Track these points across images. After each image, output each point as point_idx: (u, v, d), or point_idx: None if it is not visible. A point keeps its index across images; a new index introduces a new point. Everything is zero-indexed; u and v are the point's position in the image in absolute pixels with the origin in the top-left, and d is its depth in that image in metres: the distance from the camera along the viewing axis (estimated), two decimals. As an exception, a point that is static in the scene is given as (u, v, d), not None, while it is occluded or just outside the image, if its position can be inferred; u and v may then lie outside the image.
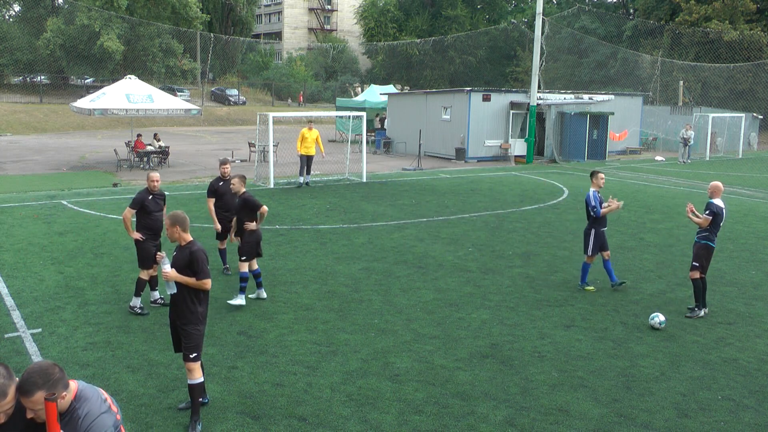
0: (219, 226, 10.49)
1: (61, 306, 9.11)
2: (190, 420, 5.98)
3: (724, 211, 9.33)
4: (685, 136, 30.82)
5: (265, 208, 9.14)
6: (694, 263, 9.32)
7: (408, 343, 8.04)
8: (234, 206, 9.56)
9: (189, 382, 6.00)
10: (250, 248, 9.25)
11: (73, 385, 3.27)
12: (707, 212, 9.20)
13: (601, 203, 10.14)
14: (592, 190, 10.18)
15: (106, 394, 3.36)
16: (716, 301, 9.90)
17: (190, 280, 6.01)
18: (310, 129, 20.43)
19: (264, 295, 9.53)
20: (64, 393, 3.16)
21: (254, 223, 9.15)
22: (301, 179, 20.74)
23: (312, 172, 21.54)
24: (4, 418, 3.18)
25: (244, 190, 9.34)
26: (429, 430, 6.04)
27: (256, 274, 9.47)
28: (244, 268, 9.20)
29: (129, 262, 10.96)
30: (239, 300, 9.12)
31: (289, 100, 64.54)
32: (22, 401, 3.13)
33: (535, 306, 9.57)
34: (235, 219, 9.57)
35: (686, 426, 6.21)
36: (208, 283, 6.09)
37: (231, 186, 9.31)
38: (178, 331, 6.14)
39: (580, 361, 7.64)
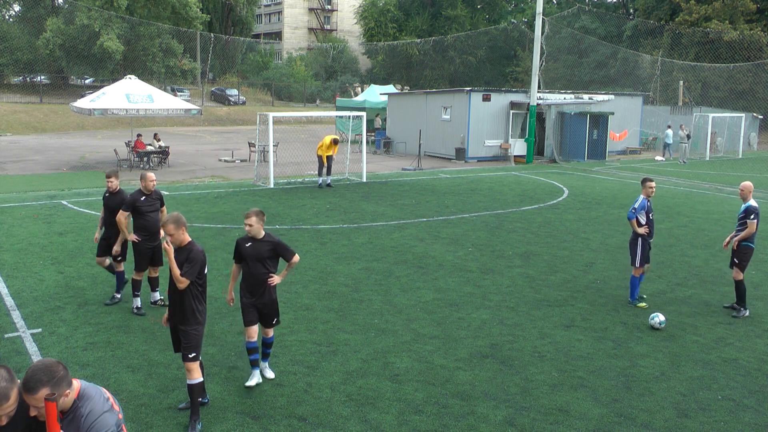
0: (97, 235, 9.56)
1: (61, 306, 9.12)
2: (190, 420, 5.98)
3: (758, 208, 9.39)
4: (686, 133, 30.87)
5: (297, 256, 6.93)
6: (735, 261, 9.30)
7: (408, 343, 8.04)
8: (248, 252, 6.72)
9: (188, 382, 5.99)
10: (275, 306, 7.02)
11: (76, 383, 3.28)
12: (752, 217, 9.13)
13: (647, 211, 9.56)
14: (641, 197, 9.65)
15: (108, 393, 3.37)
16: (716, 301, 9.90)
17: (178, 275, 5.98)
18: (335, 144, 20.59)
19: (268, 374, 7.09)
20: (68, 391, 3.17)
21: (278, 277, 6.86)
22: (326, 180, 20.74)
23: (309, 172, 21.58)
24: (6, 420, 3.18)
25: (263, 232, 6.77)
26: (429, 430, 6.04)
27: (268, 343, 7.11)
28: (255, 336, 6.86)
29: (129, 262, 10.95)
30: (256, 378, 6.95)
31: (318, 101, 63.97)
32: (26, 398, 3.13)
33: (535, 306, 9.57)
34: (237, 270, 6.88)
35: (686, 426, 6.21)
36: (185, 282, 5.97)
37: (248, 227, 6.63)
38: (178, 332, 6.13)
39: (580, 361, 7.64)
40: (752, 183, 9.61)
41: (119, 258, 9.26)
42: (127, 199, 9.00)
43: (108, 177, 9.30)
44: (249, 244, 6.72)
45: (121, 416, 3.35)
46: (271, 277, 6.75)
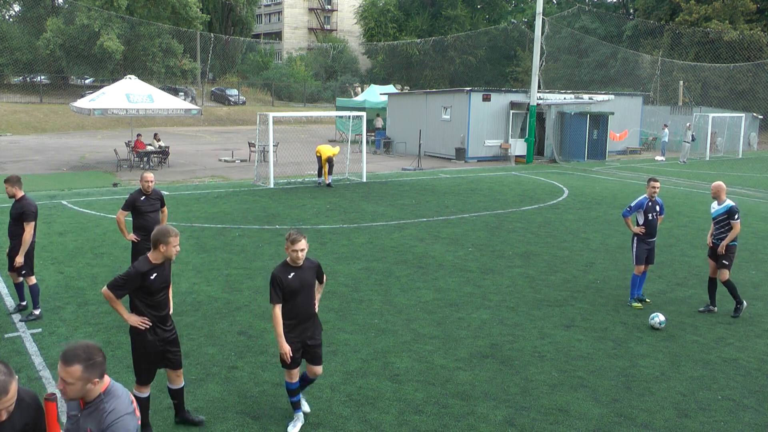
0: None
1: (61, 306, 9.12)
2: (188, 414, 6.07)
3: None
4: (690, 134, 30.93)
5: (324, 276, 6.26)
6: (724, 262, 9.31)
7: (408, 343, 8.04)
8: (294, 284, 5.75)
9: (182, 385, 6.01)
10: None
11: (106, 379, 3.29)
12: (736, 217, 9.18)
13: (647, 211, 9.52)
14: (643, 196, 9.69)
15: (132, 397, 3.37)
16: (716, 301, 9.89)
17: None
18: (330, 163, 20.68)
19: (304, 407, 6.29)
20: (96, 380, 3.18)
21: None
22: (320, 180, 20.85)
23: (309, 172, 21.61)
24: (5, 415, 3.19)
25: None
26: (429, 430, 6.04)
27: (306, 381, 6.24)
28: (297, 376, 5.98)
29: (129, 262, 10.95)
30: (300, 422, 6.10)
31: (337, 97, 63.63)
32: (60, 370, 3.14)
33: (535, 306, 9.57)
34: (280, 312, 5.73)
35: (686, 426, 6.21)
36: None
37: (300, 253, 5.70)
38: (170, 345, 5.79)
39: (580, 361, 7.64)
40: (724, 182, 9.67)
41: (23, 271, 8.55)
42: (127, 198, 9.02)
43: (5, 182, 8.47)
44: (292, 274, 5.71)
45: (139, 422, 3.33)
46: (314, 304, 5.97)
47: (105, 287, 5.50)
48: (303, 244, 5.67)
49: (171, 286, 5.95)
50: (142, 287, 5.51)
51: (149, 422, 5.94)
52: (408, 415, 6.29)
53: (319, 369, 6.03)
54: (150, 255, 5.57)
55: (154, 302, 5.61)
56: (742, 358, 7.81)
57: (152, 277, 5.52)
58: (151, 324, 5.60)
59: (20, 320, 8.59)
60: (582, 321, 8.97)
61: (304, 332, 5.83)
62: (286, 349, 5.69)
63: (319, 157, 20.58)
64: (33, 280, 8.67)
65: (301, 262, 5.72)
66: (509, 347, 7.99)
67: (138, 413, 3.33)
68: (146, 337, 5.59)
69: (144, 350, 5.62)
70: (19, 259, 8.42)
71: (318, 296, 6.06)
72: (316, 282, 6.00)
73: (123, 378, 6.92)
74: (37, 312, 8.66)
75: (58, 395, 6.38)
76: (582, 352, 7.88)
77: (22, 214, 8.43)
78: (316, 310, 5.96)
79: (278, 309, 5.70)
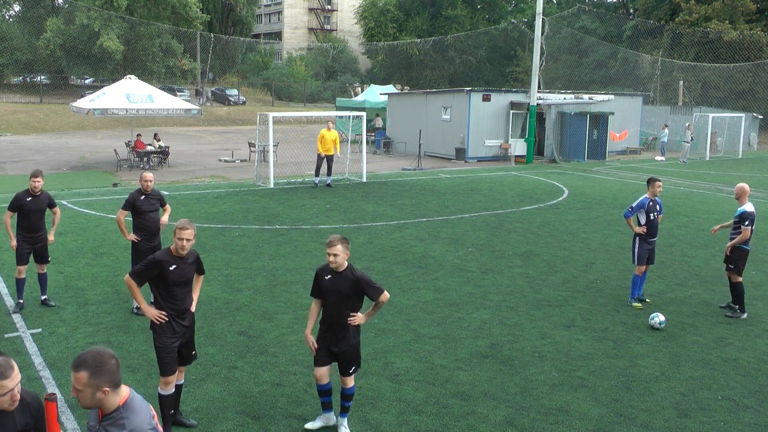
0: (14, 243, 8.90)
1: (61, 306, 9.12)
2: (182, 415, 6.10)
3: (755, 212, 9.38)
4: (690, 134, 30.96)
5: (387, 294, 5.89)
6: (730, 266, 9.33)
7: (408, 343, 8.05)
8: (327, 287, 5.80)
9: (181, 382, 6.05)
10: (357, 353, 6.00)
11: (125, 390, 3.10)
12: (746, 223, 9.17)
13: (648, 210, 9.49)
14: (644, 196, 9.63)
15: (153, 412, 3.20)
16: (716, 301, 9.91)
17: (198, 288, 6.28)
18: (329, 129, 20.37)
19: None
20: (106, 388, 2.98)
21: (361, 315, 5.87)
22: (317, 180, 20.51)
23: (308, 172, 21.58)
24: (11, 405, 3.16)
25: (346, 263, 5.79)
26: (429, 430, 6.04)
27: (346, 395, 5.97)
28: (325, 378, 5.94)
29: (129, 262, 10.94)
30: (320, 422, 6.09)
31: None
32: (72, 376, 3.01)
33: (535, 306, 9.57)
34: (316, 307, 5.96)
35: (686, 426, 6.22)
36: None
37: (332, 257, 5.70)
38: (185, 340, 5.91)
39: (580, 361, 7.64)
40: (747, 184, 9.62)
41: (50, 259, 9.31)
42: (127, 198, 9.02)
43: (35, 176, 8.78)
44: (329, 276, 5.76)
45: None
46: (353, 317, 5.77)
47: (127, 275, 5.75)
48: (337, 249, 5.62)
49: (199, 284, 6.19)
50: (160, 277, 5.66)
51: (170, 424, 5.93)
52: (408, 415, 6.29)
53: (346, 380, 5.87)
54: (172, 246, 5.76)
55: (171, 294, 5.73)
56: (742, 358, 7.81)
57: (171, 269, 5.65)
58: (167, 318, 5.74)
59: (42, 303, 9.12)
60: (582, 321, 8.98)
61: (329, 337, 5.83)
62: (309, 339, 5.87)
63: (319, 155, 20.30)
64: (45, 268, 9.24)
65: (337, 268, 5.70)
66: (509, 347, 8.00)
67: (160, 428, 3.16)
68: (162, 329, 5.73)
69: (161, 341, 5.75)
70: (52, 237, 9.18)
71: (371, 311, 5.87)
72: (370, 299, 5.81)
73: (123, 378, 6.89)
74: (45, 296, 9.26)
75: (59, 395, 6.39)
76: (582, 352, 7.88)
77: (50, 201, 9.09)
78: (355, 322, 5.78)
79: (314, 303, 5.95)
